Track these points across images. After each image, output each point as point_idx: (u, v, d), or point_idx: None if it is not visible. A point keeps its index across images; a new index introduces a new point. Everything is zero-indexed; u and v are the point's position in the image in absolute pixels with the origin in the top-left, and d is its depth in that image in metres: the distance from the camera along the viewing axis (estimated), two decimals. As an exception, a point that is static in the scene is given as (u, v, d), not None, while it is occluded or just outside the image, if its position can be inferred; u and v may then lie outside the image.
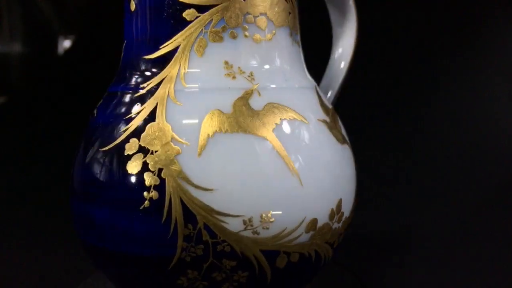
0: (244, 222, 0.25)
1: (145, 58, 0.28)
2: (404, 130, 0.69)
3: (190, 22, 0.27)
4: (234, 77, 0.27)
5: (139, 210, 0.25)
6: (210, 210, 0.24)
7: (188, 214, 0.25)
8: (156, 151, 0.25)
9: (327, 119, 0.30)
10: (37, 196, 0.60)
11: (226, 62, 0.27)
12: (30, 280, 0.41)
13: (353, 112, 0.67)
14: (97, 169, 0.27)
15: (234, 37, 0.27)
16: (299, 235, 0.26)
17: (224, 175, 0.25)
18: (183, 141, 0.25)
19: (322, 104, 0.31)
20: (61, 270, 0.43)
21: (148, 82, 0.28)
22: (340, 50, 0.39)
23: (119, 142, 0.26)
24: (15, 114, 0.72)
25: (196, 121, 0.26)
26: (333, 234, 0.28)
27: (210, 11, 0.27)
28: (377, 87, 0.70)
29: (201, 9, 0.27)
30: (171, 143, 0.25)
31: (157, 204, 0.25)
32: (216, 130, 0.25)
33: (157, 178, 0.25)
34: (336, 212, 0.28)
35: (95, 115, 0.30)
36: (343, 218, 0.29)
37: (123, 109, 0.28)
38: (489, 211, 0.56)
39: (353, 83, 0.69)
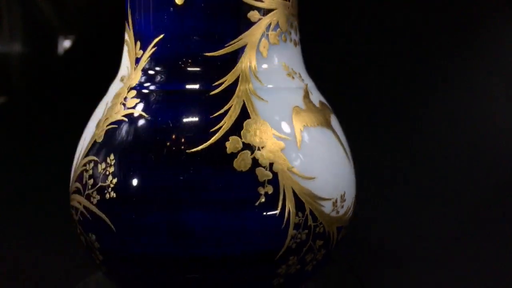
0: (333, 204, 0.28)
1: (206, 55, 0.28)
2: (402, 130, 0.69)
3: (254, 23, 0.28)
4: (292, 78, 0.30)
5: (254, 206, 0.25)
6: (314, 197, 0.27)
7: (299, 203, 0.26)
8: (262, 147, 0.26)
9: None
10: (37, 196, 0.60)
11: (284, 64, 0.29)
12: (30, 280, 0.41)
13: (352, 112, 0.67)
14: (186, 172, 0.25)
15: (285, 40, 0.29)
16: (350, 212, 0.31)
17: (321, 164, 0.28)
18: (284, 136, 0.27)
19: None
20: (61, 270, 0.43)
21: (221, 80, 0.27)
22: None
23: (214, 142, 0.26)
24: (15, 114, 0.72)
25: (286, 117, 0.27)
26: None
27: (269, 14, 0.28)
28: (375, 87, 0.70)
29: (263, 12, 0.28)
30: (274, 139, 0.26)
31: (272, 197, 0.26)
32: (304, 125, 0.28)
33: (269, 172, 0.26)
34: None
35: (148, 116, 0.27)
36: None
37: (201, 108, 0.27)
38: (487, 211, 0.56)
39: (352, 83, 0.69)
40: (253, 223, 0.26)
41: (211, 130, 0.26)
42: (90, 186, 0.27)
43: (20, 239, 0.51)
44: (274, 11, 0.28)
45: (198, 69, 0.28)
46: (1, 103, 0.72)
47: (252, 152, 0.26)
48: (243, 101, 0.27)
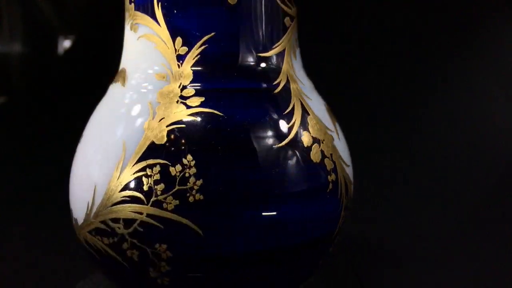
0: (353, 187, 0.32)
1: (259, 55, 0.29)
2: (402, 130, 0.69)
3: (288, 28, 0.30)
4: (309, 78, 0.32)
5: (326, 193, 0.28)
6: (350, 182, 0.31)
7: (346, 187, 0.30)
8: (323, 140, 0.29)
9: None
10: (37, 196, 0.60)
11: (302, 65, 0.32)
12: (30, 280, 0.41)
13: (352, 112, 0.67)
14: (277, 167, 0.26)
15: (298, 46, 0.32)
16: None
17: (349, 154, 0.32)
18: (331, 130, 0.30)
19: None
20: (61, 270, 0.43)
21: (278, 80, 0.29)
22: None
23: (293, 136, 0.27)
24: (15, 114, 0.72)
25: (325, 113, 0.31)
26: None
27: (294, 21, 0.31)
28: (375, 87, 0.70)
29: (291, 19, 0.30)
30: (328, 132, 0.30)
31: (335, 184, 0.29)
32: (334, 120, 0.32)
33: (331, 162, 0.29)
34: None
35: (223, 114, 0.26)
36: None
37: (272, 105, 0.28)
38: (487, 211, 0.56)
39: (352, 83, 0.69)
40: (326, 209, 0.28)
41: (288, 126, 0.27)
42: (160, 192, 0.25)
43: (20, 239, 0.51)
44: (295, 19, 0.31)
45: (253, 68, 0.29)
46: (1, 103, 0.72)
47: (319, 145, 0.28)
48: (299, 99, 0.29)
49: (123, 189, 0.26)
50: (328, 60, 0.68)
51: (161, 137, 0.26)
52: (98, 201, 0.26)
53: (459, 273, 0.41)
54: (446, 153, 0.67)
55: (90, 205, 0.27)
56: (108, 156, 0.27)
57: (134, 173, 0.26)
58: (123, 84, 0.29)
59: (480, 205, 0.57)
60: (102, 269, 0.30)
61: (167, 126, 0.26)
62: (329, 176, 0.28)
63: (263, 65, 0.29)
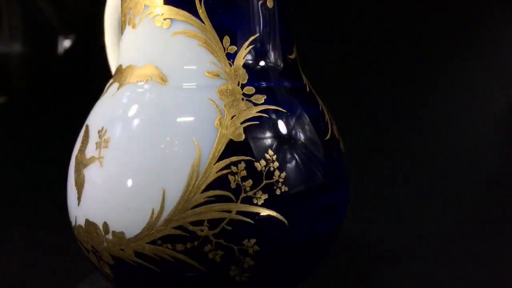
0: None
1: (289, 58, 0.31)
2: (402, 130, 0.69)
3: (293, 33, 0.32)
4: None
5: (350, 180, 0.31)
6: None
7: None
8: (338, 134, 0.32)
9: None
10: (37, 196, 0.60)
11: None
12: (30, 280, 0.41)
13: (352, 112, 0.67)
14: (330, 158, 0.29)
15: None
16: None
17: None
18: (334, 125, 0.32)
19: None
20: (61, 270, 0.43)
21: (304, 79, 0.32)
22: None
23: (331, 130, 0.31)
24: (15, 114, 0.72)
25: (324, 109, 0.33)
26: None
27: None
28: (375, 87, 0.70)
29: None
30: (334, 127, 0.32)
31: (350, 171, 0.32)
32: None
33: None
34: None
35: (285, 111, 0.28)
36: None
37: (313, 102, 0.31)
38: (487, 211, 0.56)
39: (352, 83, 0.69)
40: (349, 195, 0.32)
41: (325, 121, 0.30)
42: (248, 188, 0.25)
43: (20, 239, 0.51)
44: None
45: (287, 68, 0.30)
46: (1, 103, 0.72)
47: (339, 137, 0.32)
48: (318, 98, 0.32)
49: (206, 190, 0.25)
50: (329, 60, 0.68)
51: (239, 135, 0.26)
52: (170, 206, 0.25)
53: (459, 273, 0.41)
54: (446, 153, 0.67)
55: (156, 212, 0.25)
56: (177, 157, 0.25)
57: (217, 172, 0.25)
58: (163, 82, 0.28)
59: (480, 205, 0.58)
60: (155, 284, 0.27)
61: (241, 124, 0.26)
62: (349, 165, 0.32)
63: (291, 66, 0.31)
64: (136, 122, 0.27)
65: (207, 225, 0.25)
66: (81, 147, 0.29)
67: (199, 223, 0.25)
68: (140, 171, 0.26)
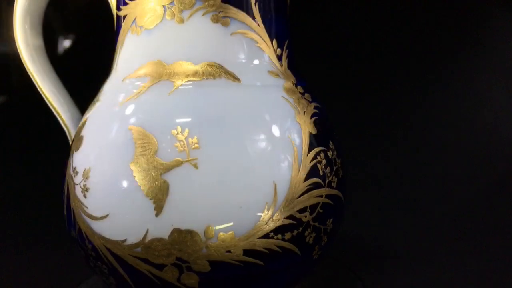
0: None
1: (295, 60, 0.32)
2: (402, 130, 0.70)
3: None
4: None
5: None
6: None
7: None
8: None
9: None
10: (37, 196, 0.60)
11: None
12: (30, 280, 0.41)
13: (352, 113, 0.67)
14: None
15: None
16: None
17: None
18: None
19: None
20: (61, 270, 0.43)
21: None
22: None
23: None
24: (15, 114, 0.72)
25: None
26: None
27: None
28: (375, 88, 0.70)
29: None
30: None
31: None
32: None
33: None
34: None
35: (320, 110, 0.31)
36: None
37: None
38: (487, 210, 0.56)
39: (351, 83, 0.69)
40: None
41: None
42: (329, 174, 0.29)
43: (20, 239, 0.51)
44: None
45: (299, 70, 0.32)
46: (1, 103, 0.72)
47: None
48: None
49: (306, 179, 0.27)
50: (328, 59, 0.68)
51: (313, 128, 0.29)
52: (281, 199, 0.27)
53: (459, 273, 0.41)
54: (446, 153, 0.67)
55: (270, 206, 0.26)
56: (278, 152, 0.27)
57: (310, 162, 0.28)
58: (235, 80, 0.28)
59: (480, 205, 0.58)
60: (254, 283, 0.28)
61: (311, 118, 0.29)
62: None
63: (298, 68, 0.32)
64: (227, 120, 0.27)
65: (309, 211, 0.28)
66: (141, 152, 0.26)
67: (303, 210, 0.27)
68: (249, 168, 0.26)
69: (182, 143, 0.26)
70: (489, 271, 0.41)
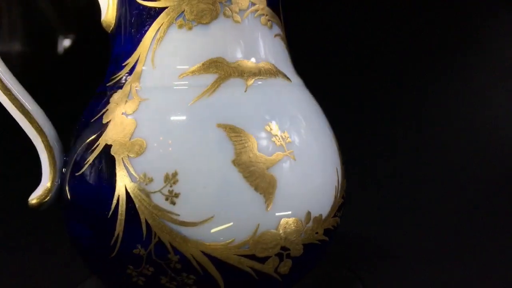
0: None
1: None
2: (402, 130, 0.69)
3: None
4: None
5: None
6: None
7: None
8: None
9: None
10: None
11: None
12: (30, 281, 0.41)
13: (351, 112, 0.67)
14: None
15: None
16: None
17: None
18: None
19: None
20: (61, 271, 0.43)
21: None
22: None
23: None
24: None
25: None
26: None
27: None
28: (373, 88, 0.70)
29: None
30: None
31: None
32: None
33: None
34: None
35: None
36: None
37: None
38: (487, 210, 0.56)
39: (350, 82, 0.69)
40: None
41: None
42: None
43: (20, 240, 0.51)
44: None
45: None
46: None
47: None
48: None
49: (343, 164, 0.32)
50: (328, 59, 0.68)
51: None
52: (340, 181, 0.30)
53: (459, 273, 0.41)
54: (446, 153, 0.67)
55: (338, 188, 0.30)
56: (332, 142, 0.31)
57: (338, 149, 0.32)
58: (288, 80, 0.30)
59: (480, 205, 0.58)
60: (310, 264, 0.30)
61: None
62: None
63: None
64: (302, 115, 0.29)
65: (345, 188, 0.31)
66: (240, 149, 0.26)
67: (347, 188, 0.32)
68: (326, 157, 0.29)
69: (277, 137, 0.27)
70: (489, 271, 0.41)
